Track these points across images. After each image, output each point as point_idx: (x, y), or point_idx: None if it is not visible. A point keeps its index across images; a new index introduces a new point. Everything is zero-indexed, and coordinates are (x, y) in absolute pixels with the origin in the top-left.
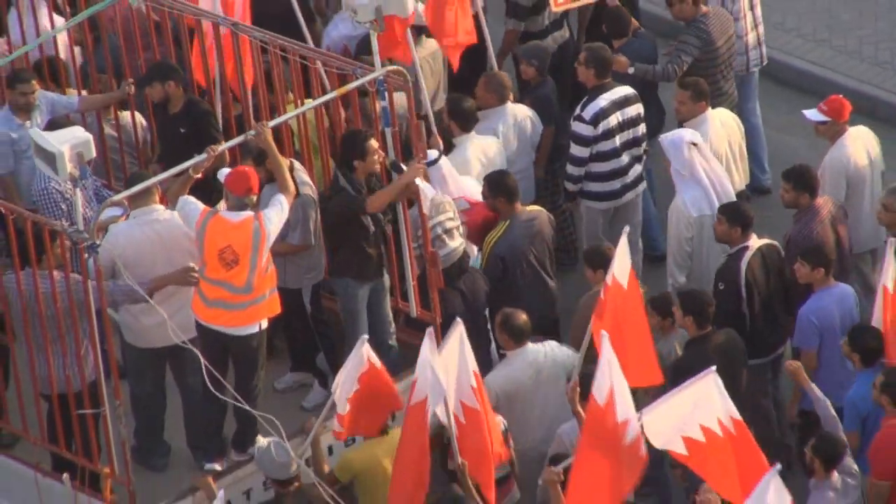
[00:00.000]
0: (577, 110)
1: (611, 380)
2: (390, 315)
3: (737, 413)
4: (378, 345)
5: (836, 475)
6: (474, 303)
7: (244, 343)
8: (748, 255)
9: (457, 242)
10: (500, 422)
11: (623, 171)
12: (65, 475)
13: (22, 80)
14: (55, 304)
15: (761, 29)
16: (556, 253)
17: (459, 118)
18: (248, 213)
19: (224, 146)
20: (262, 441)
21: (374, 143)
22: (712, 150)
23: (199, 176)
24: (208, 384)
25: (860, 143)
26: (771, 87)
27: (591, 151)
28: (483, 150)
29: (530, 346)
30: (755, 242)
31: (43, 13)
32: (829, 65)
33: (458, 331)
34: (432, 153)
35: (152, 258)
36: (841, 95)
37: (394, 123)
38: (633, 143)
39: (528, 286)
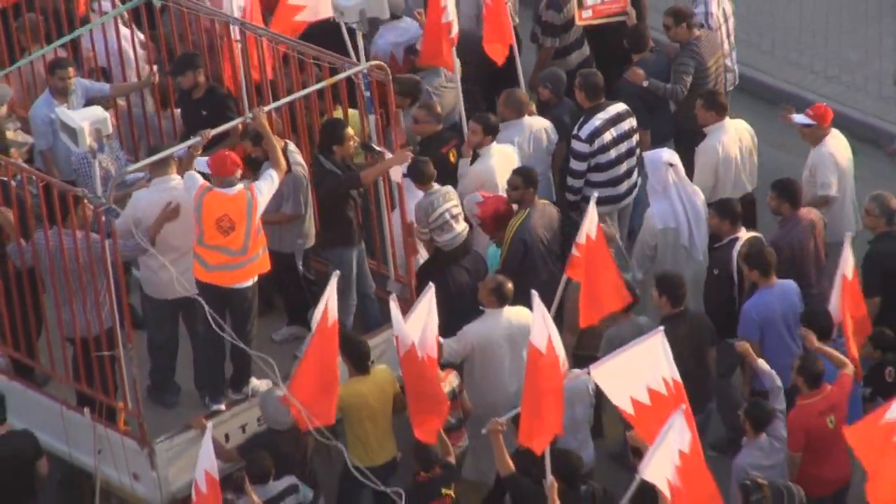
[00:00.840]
0: (575, 130)
1: (547, 330)
2: (369, 272)
3: (678, 375)
4: (362, 297)
5: (764, 437)
6: (477, 277)
7: (240, 295)
8: (738, 244)
9: (462, 226)
10: (453, 378)
11: (620, 180)
12: (86, 409)
13: (61, 66)
14: (77, 260)
15: (734, 55)
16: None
17: (491, 132)
18: (241, 186)
19: (218, 129)
20: (255, 382)
21: (350, 130)
22: (724, 153)
23: (198, 153)
24: (214, 329)
25: (842, 145)
26: None
27: (589, 164)
28: (506, 156)
29: (506, 308)
30: (744, 234)
31: (115, 30)
32: (839, 99)
33: (430, 294)
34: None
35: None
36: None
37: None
38: (628, 153)
39: (542, 268)
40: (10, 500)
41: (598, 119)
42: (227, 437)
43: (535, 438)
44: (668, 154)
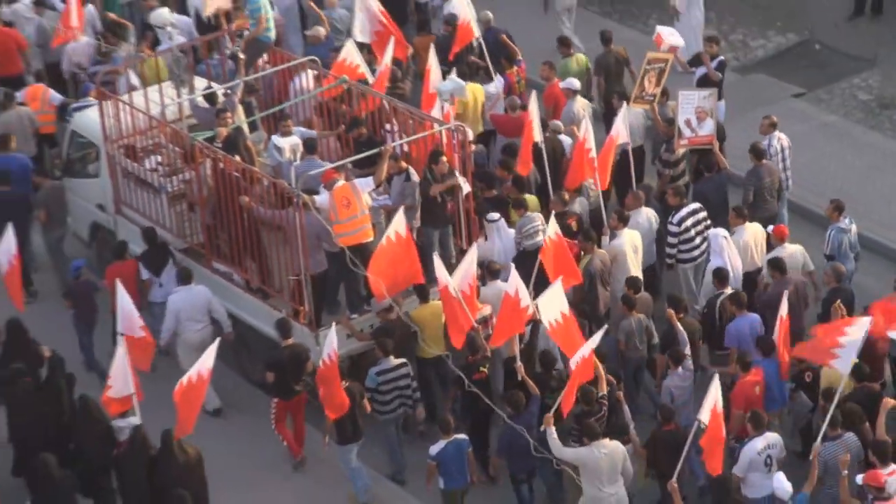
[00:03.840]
0: (670, 218)
1: (516, 286)
2: (453, 248)
3: (568, 310)
4: (444, 261)
5: (680, 369)
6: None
7: (366, 248)
8: (722, 297)
9: (540, 238)
10: (487, 308)
11: (696, 248)
12: (283, 311)
13: (283, 119)
14: (286, 227)
15: (789, 172)
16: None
17: (622, 220)
18: (341, 181)
19: (370, 152)
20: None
21: (444, 158)
22: (743, 243)
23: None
24: (346, 271)
25: (788, 252)
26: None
27: (679, 239)
28: (632, 237)
29: (499, 282)
30: (728, 291)
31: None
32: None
33: (472, 252)
34: (494, 215)
35: None
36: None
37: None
38: (700, 231)
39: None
40: (290, 385)
41: (684, 211)
42: (362, 330)
43: (503, 342)
44: (724, 231)
